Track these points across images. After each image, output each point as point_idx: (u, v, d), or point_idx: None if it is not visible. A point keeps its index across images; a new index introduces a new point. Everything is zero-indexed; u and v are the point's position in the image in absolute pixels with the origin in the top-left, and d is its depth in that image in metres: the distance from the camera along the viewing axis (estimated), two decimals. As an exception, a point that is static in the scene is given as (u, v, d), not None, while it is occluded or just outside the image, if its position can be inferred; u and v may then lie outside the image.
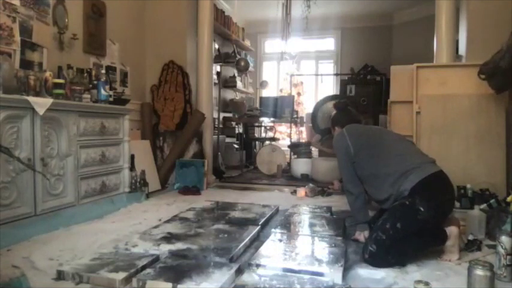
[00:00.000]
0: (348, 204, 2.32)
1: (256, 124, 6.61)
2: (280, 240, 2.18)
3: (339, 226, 2.44)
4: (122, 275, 1.63)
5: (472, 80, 2.93)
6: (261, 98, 7.00)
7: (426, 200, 1.91)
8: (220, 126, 5.49)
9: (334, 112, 2.69)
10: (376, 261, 1.85)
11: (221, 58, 5.68)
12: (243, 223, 2.52)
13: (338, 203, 3.41)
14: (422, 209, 1.89)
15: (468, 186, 2.76)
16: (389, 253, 1.85)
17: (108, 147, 3.03)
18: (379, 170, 2.11)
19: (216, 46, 5.64)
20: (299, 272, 1.70)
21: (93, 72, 3.17)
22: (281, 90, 7.97)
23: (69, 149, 2.61)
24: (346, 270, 1.78)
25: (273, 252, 1.97)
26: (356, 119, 2.55)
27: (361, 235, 2.22)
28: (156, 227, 2.42)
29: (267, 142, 6.03)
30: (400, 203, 1.97)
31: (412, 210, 1.90)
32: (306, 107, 7.94)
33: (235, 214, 2.78)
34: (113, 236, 2.32)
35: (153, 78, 4.36)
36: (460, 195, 2.68)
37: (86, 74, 3.04)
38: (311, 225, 2.51)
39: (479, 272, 1.55)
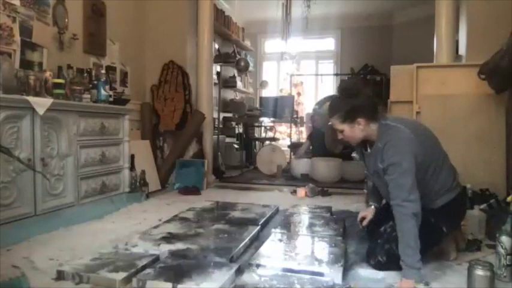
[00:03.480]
0: (408, 241, 1.65)
1: (256, 124, 6.61)
2: (280, 240, 2.18)
3: (339, 226, 2.44)
4: (122, 275, 1.63)
5: (472, 80, 2.92)
6: (261, 98, 7.01)
7: (450, 220, 1.87)
8: (220, 126, 5.49)
9: (339, 98, 1.90)
10: (382, 268, 1.82)
11: (221, 58, 5.68)
12: (243, 223, 2.51)
13: (338, 203, 3.41)
14: (445, 229, 1.84)
15: (468, 186, 2.75)
16: (396, 263, 1.77)
17: (108, 147, 3.03)
18: (427, 180, 1.80)
19: (216, 46, 5.64)
20: (299, 272, 1.70)
21: (93, 72, 3.17)
22: (281, 90, 7.97)
23: (69, 149, 2.61)
24: (346, 270, 1.78)
25: (273, 252, 1.97)
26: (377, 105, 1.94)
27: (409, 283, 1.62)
28: (156, 227, 2.42)
29: (267, 142, 6.03)
30: (422, 220, 1.70)
31: (435, 229, 1.81)
32: (306, 107, 7.94)
33: (235, 214, 2.78)
34: (113, 236, 2.32)
35: (153, 78, 4.36)
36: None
37: (86, 74, 3.04)
38: (311, 225, 2.51)
39: (479, 272, 1.55)
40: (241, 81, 6.70)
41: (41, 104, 2.33)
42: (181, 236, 2.21)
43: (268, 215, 2.76)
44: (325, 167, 4.57)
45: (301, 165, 4.82)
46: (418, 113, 3.14)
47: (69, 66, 2.94)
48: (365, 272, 1.80)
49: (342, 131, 1.88)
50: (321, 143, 4.96)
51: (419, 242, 1.64)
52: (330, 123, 1.96)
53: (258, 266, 1.75)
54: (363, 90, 1.87)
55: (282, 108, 5.77)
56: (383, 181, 1.83)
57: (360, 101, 1.82)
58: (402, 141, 1.75)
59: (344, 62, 7.50)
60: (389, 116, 1.96)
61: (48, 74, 2.61)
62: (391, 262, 1.79)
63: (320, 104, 6.00)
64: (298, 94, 8.04)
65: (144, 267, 1.73)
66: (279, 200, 3.51)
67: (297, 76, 7.84)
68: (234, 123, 6.08)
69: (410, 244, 1.63)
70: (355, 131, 1.84)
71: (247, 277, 1.65)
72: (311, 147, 5.33)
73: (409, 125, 1.85)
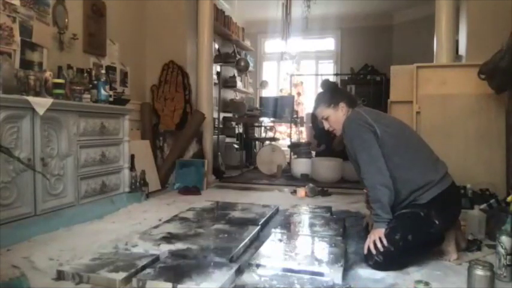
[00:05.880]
0: (379, 201, 1.86)
1: (256, 124, 6.61)
2: (280, 240, 2.17)
3: (339, 226, 2.44)
4: (122, 275, 1.63)
5: (472, 80, 2.93)
6: (261, 98, 7.00)
7: (442, 213, 1.85)
8: (220, 126, 5.49)
9: (323, 91, 2.31)
10: (381, 268, 1.82)
11: (221, 58, 5.69)
12: (243, 223, 2.51)
13: (338, 203, 3.41)
14: (437, 222, 1.84)
15: (468, 186, 2.76)
16: (394, 263, 1.81)
17: (108, 147, 3.03)
18: (403, 169, 1.90)
19: (216, 46, 5.64)
20: (299, 272, 1.70)
21: (93, 72, 3.17)
22: (281, 90, 7.98)
23: (69, 149, 2.61)
24: (346, 270, 1.78)
25: (273, 252, 1.97)
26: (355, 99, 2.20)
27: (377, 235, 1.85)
28: (156, 227, 2.42)
29: (267, 142, 6.03)
30: (412, 213, 1.87)
31: (427, 223, 1.83)
32: (306, 107, 7.95)
33: (235, 214, 2.78)
34: (113, 236, 2.31)
35: (153, 78, 4.36)
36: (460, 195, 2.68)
37: (86, 74, 3.04)
38: (311, 225, 2.51)
39: (479, 272, 1.55)
40: (241, 81, 6.71)
41: (41, 104, 2.33)
42: (181, 236, 2.20)
43: (268, 215, 2.76)
44: (325, 167, 4.57)
45: (301, 165, 4.82)
46: (418, 113, 3.14)
47: (69, 66, 2.94)
48: (365, 272, 1.80)
49: (327, 118, 2.12)
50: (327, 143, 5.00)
51: (416, 234, 1.80)
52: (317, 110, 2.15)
53: (258, 266, 1.75)
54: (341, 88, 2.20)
55: (282, 108, 5.76)
56: (355, 164, 2.02)
57: (340, 90, 2.27)
58: (354, 120, 1.98)
59: (344, 62, 7.51)
60: (367, 108, 2.13)
61: (48, 74, 2.61)
62: (388, 261, 1.80)
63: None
64: (298, 94, 8.05)
65: (144, 267, 1.73)
66: (279, 200, 3.51)
67: (297, 76, 7.84)
68: (234, 123, 6.08)
69: (383, 204, 1.84)
70: (338, 115, 2.09)
71: (247, 277, 1.65)
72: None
73: (372, 114, 2.02)
